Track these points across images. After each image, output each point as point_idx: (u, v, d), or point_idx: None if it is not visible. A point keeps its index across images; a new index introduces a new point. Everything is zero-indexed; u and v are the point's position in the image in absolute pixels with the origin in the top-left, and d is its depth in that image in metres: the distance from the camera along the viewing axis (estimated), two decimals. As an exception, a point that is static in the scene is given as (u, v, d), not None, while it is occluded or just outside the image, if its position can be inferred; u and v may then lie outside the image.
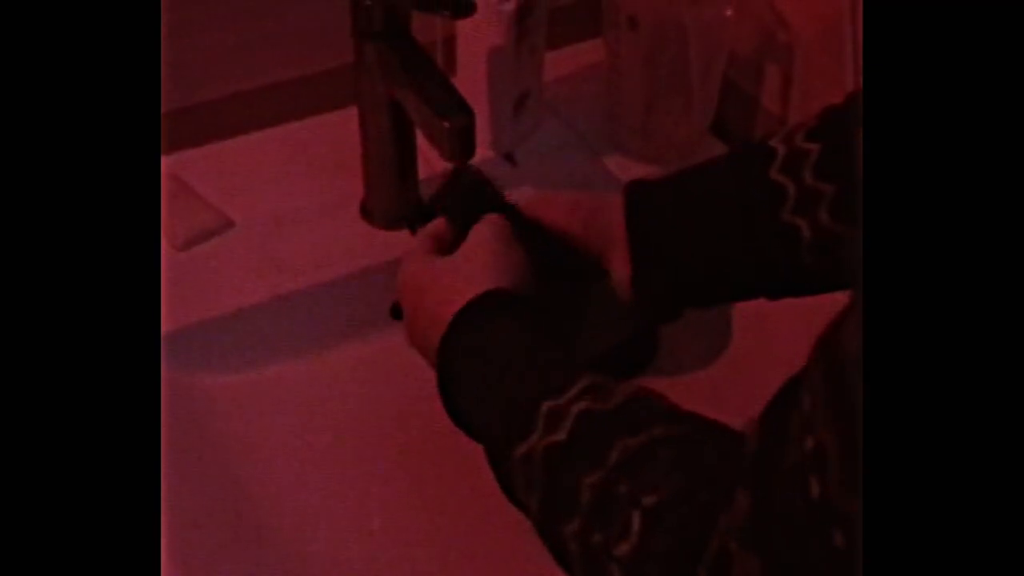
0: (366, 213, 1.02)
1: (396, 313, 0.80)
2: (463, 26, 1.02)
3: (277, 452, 0.90)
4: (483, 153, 1.02)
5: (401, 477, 0.89)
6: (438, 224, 0.79)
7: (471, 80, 1.02)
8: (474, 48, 1.02)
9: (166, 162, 1.04)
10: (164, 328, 0.90)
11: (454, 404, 0.70)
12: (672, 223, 0.76)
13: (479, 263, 0.72)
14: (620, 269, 0.77)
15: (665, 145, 1.06)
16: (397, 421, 0.92)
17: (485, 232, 0.75)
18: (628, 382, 0.63)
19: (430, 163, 0.98)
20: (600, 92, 1.09)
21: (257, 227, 1.01)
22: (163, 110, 1.04)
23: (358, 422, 0.93)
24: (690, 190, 0.77)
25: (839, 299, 0.46)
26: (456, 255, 0.74)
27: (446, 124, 0.85)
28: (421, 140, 0.94)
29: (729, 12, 1.00)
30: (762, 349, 0.93)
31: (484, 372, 0.67)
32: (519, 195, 0.82)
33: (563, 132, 1.11)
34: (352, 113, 0.99)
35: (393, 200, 1.00)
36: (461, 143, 0.86)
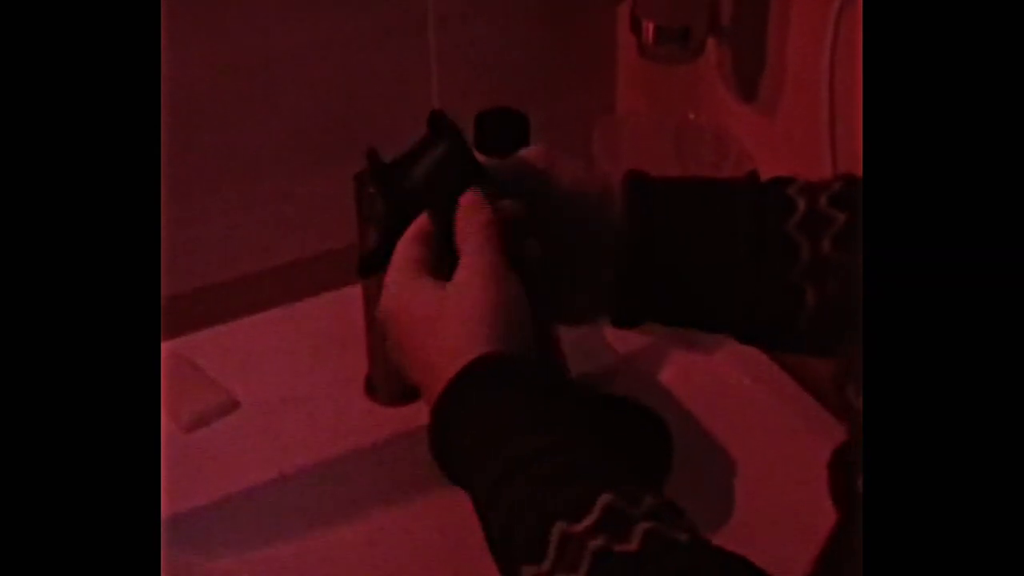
0: (371, 390, 1.03)
1: (365, 269, 0.72)
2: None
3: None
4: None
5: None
6: (421, 224, 0.68)
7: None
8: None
9: (174, 344, 1.05)
10: (170, 510, 0.91)
11: (450, 469, 0.65)
12: (673, 239, 0.71)
13: (476, 304, 0.65)
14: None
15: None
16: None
17: (481, 260, 0.66)
18: (647, 498, 0.58)
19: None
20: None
21: (263, 407, 1.02)
22: (172, 293, 1.06)
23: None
24: (696, 210, 0.72)
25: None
26: (450, 288, 0.66)
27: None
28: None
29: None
30: (766, 518, 0.93)
31: (487, 453, 0.62)
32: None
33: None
34: (356, 292, 1.01)
35: (397, 377, 1.01)
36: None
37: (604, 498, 0.57)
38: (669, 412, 0.99)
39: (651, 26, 1.03)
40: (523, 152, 0.72)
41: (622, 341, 1.07)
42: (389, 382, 1.02)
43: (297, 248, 1.13)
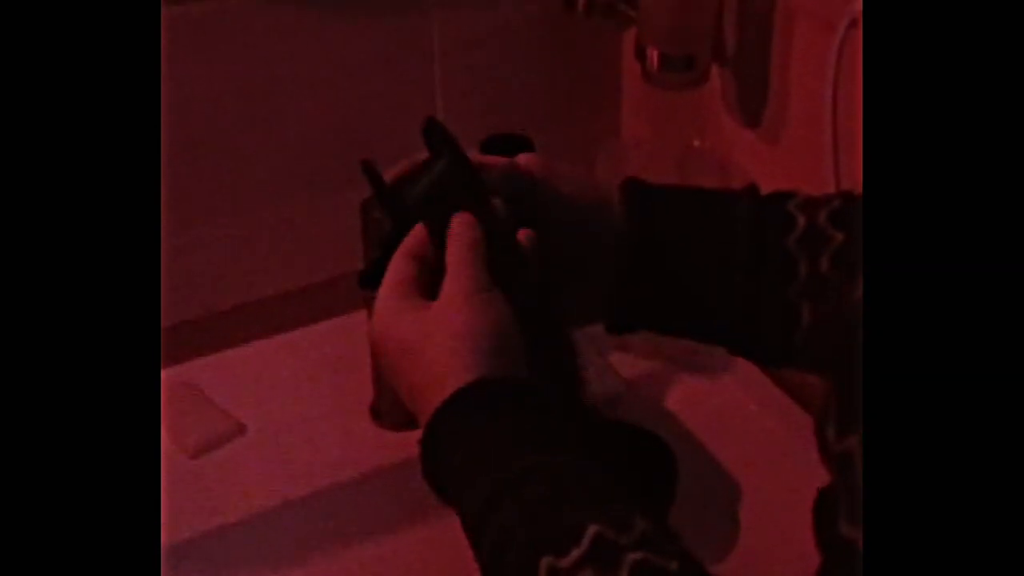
0: (376, 416, 1.04)
1: (365, 282, 0.70)
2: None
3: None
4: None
5: None
6: (415, 239, 0.68)
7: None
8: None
9: (181, 370, 1.06)
10: (176, 535, 0.91)
11: (441, 491, 0.64)
12: (671, 242, 0.72)
13: (460, 326, 0.64)
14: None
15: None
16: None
17: (463, 279, 0.65)
18: (636, 523, 0.58)
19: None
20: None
21: (269, 432, 1.02)
22: (179, 319, 1.07)
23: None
24: (696, 216, 0.72)
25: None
26: (434, 310, 0.65)
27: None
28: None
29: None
30: (771, 544, 0.93)
31: (475, 474, 0.61)
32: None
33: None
34: (361, 318, 1.01)
35: (401, 402, 1.01)
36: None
37: (592, 528, 0.57)
38: (674, 438, 0.99)
39: (656, 53, 1.04)
40: (520, 157, 0.72)
41: (628, 366, 1.08)
42: (394, 407, 1.02)
43: (303, 274, 1.14)
